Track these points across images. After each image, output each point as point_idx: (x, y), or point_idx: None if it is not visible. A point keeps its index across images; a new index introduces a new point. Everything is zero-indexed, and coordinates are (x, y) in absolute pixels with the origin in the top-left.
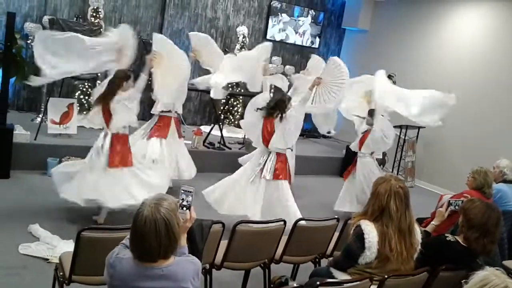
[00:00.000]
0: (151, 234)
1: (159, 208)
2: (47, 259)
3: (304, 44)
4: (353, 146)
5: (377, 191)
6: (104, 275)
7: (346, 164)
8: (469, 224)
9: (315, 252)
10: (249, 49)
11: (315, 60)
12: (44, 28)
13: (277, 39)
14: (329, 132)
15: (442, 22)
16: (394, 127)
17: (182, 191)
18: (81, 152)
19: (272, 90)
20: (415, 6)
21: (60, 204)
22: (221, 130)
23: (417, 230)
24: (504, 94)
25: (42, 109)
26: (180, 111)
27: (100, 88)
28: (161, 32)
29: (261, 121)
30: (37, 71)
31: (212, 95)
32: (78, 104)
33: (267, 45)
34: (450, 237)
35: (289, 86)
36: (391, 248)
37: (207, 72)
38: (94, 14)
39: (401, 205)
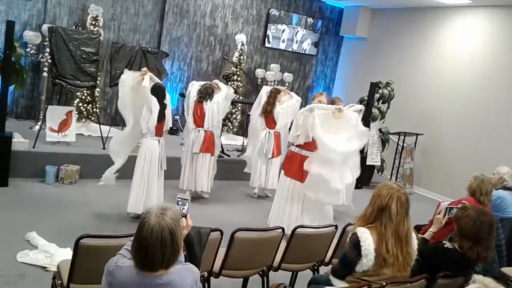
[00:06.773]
0: (156, 244)
1: (165, 218)
2: (45, 267)
3: (302, 51)
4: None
5: (379, 192)
6: (102, 284)
7: None
8: (461, 234)
9: (314, 259)
10: (247, 57)
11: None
12: (43, 36)
13: (275, 46)
14: None
15: (440, 30)
16: (393, 134)
17: (179, 199)
18: (80, 160)
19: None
20: (413, 13)
21: (58, 212)
22: (219, 138)
23: (414, 239)
24: (503, 101)
25: (41, 117)
26: None
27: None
28: (159, 40)
29: None
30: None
31: None
32: (76, 112)
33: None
34: (447, 244)
35: None
36: (388, 249)
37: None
38: (93, 22)
39: (402, 209)
